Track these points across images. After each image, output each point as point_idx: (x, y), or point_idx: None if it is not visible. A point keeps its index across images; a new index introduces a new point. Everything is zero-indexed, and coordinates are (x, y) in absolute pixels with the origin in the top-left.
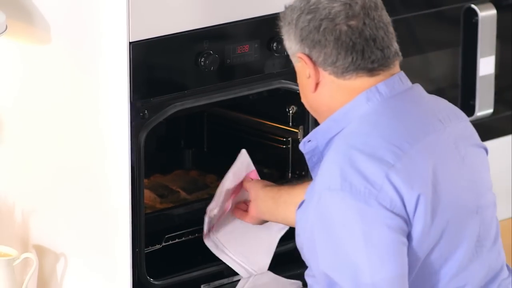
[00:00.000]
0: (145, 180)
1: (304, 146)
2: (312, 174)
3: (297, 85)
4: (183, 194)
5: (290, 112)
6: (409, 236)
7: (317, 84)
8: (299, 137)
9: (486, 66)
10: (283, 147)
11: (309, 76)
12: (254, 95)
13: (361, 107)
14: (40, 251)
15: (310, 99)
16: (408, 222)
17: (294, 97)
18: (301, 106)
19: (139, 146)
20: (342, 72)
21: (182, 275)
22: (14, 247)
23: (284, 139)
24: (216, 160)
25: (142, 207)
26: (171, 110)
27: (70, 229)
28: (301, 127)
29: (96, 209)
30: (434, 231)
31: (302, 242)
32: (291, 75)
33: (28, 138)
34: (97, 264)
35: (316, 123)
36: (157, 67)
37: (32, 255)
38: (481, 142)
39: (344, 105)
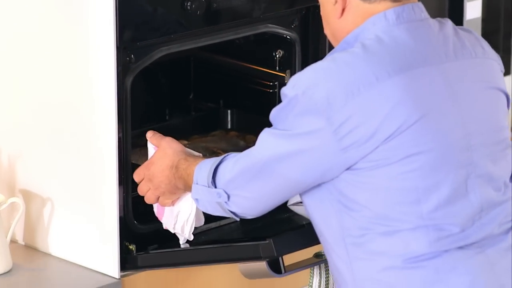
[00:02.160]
0: (185, 141)
1: None
2: None
3: (284, 29)
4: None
5: (277, 56)
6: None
7: (343, 10)
8: (285, 81)
9: (473, 9)
10: (269, 91)
11: (336, 2)
12: (241, 40)
13: (367, 31)
14: (27, 195)
15: (334, 26)
16: (346, 150)
17: (281, 41)
18: (287, 50)
19: (126, 91)
20: None
21: None
22: (1, 192)
23: (271, 84)
24: (254, 120)
25: (129, 152)
26: (158, 54)
27: (57, 174)
28: (288, 71)
29: (83, 153)
30: (400, 165)
31: None
32: (278, 19)
33: (13, 83)
34: (84, 209)
35: (302, 67)
36: (143, 11)
37: (18, 200)
38: (502, 87)
39: (356, 28)
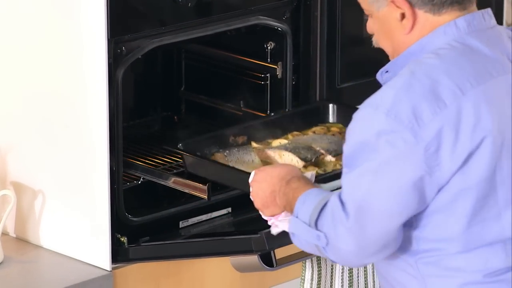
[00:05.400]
0: (284, 141)
1: (382, 76)
2: None
3: (275, 21)
4: (327, 156)
5: (268, 48)
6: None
7: (412, 26)
8: (277, 73)
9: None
10: (261, 83)
11: (402, 18)
12: (232, 31)
13: (437, 40)
14: (18, 188)
15: (399, 41)
16: (439, 167)
17: (272, 33)
18: (279, 42)
19: (117, 83)
20: (439, 8)
21: (160, 211)
22: None
23: (263, 75)
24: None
25: (121, 144)
26: (149, 46)
27: (48, 166)
28: (279, 63)
29: (75, 145)
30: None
31: None
32: (269, 11)
33: (5, 75)
34: (76, 201)
35: (293, 59)
36: (134, 3)
37: (10, 192)
38: None
39: (423, 38)
